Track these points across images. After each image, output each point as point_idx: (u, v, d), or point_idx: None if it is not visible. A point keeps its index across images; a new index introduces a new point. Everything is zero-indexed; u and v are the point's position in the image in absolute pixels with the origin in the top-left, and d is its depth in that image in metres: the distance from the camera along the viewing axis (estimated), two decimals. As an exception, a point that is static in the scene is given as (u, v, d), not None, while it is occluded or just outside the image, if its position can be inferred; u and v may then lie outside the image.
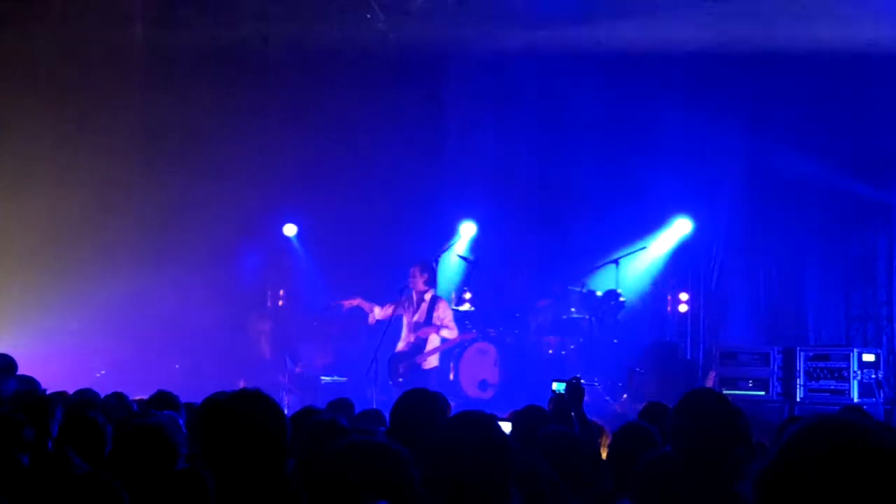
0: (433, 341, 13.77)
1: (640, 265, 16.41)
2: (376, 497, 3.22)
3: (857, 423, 2.23)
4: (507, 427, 6.11)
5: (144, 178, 16.64)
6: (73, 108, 16.03)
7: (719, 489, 4.05)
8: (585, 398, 12.52)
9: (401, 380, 13.55)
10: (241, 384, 14.48)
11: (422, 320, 13.83)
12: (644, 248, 15.93)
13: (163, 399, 7.31)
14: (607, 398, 14.13)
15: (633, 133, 16.56)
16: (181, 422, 6.40)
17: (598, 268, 15.75)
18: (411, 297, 14.07)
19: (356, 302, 14.24)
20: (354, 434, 4.27)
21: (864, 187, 14.56)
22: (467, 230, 17.00)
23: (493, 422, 3.74)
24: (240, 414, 3.64)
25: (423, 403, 5.48)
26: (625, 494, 4.63)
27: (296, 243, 17.62)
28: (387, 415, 5.82)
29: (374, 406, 12.45)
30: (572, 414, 7.01)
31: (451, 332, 13.82)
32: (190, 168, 16.36)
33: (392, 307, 14.00)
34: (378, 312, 14.09)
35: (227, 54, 16.49)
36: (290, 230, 17.36)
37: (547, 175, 17.16)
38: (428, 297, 13.91)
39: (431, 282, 14.06)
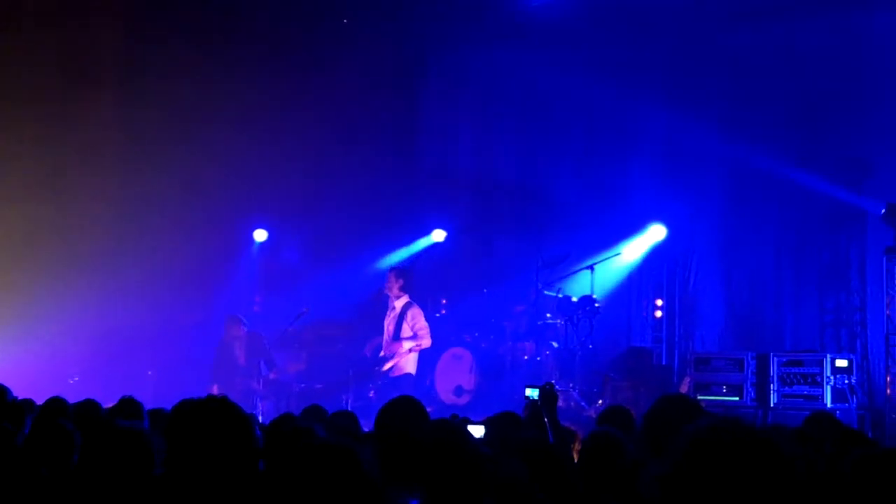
0: (404, 346, 13.78)
1: (615, 271, 16.45)
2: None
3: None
4: (479, 431, 6.08)
5: (118, 185, 16.55)
6: (46, 117, 15.93)
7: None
8: (560, 404, 12.51)
9: (373, 391, 13.60)
10: (215, 390, 14.41)
11: (391, 329, 13.85)
12: (618, 253, 15.95)
13: (126, 406, 7.25)
14: (582, 404, 14.12)
15: (609, 139, 16.62)
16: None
17: (573, 273, 15.75)
18: (390, 302, 14.10)
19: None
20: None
21: (838, 193, 14.60)
22: (439, 237, 17.01)
23: (463, 431, 3.72)
24: (204, 420, 3.62)
25: (407, 411, 5.45)
26: (596, 500, 4.62)
27: (267, 249, 17.56)
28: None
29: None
30: (545, 420, 6.98)
31: (422, 342, 13.81)
32: (162, 175, 16.28)
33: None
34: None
35: (199, 59, 16.42)
36: (260, 236, 17.29)
37: (522, 180, 17.18)
38: (399, 304, 13.90)
39: (406, 287, 14.07)
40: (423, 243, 17.01)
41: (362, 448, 3.32)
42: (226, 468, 3.52)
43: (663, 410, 4.55)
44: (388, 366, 13.77)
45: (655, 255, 16.07)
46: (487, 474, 3.55)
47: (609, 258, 15.82)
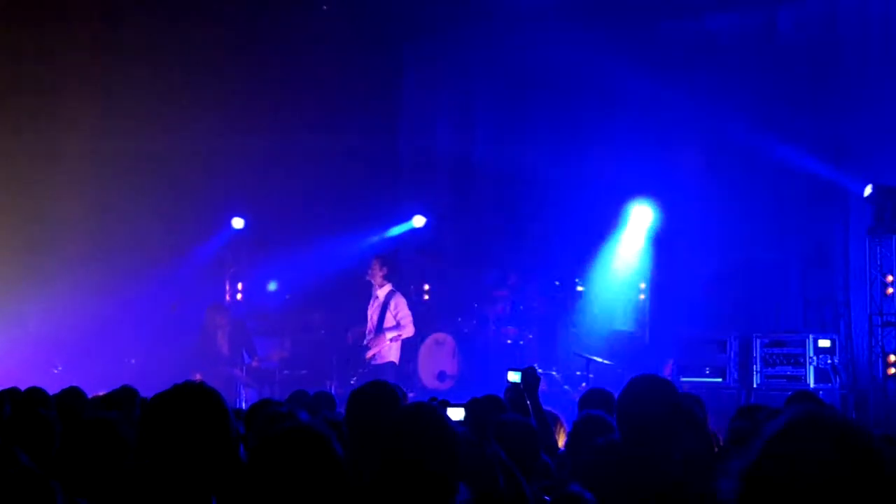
0: (387, 336, 13.76)
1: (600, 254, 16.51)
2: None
3: (845, 421, 2.21)
4: (459, 413, 6.06)
5: (95, 175, 16.46)
6: (21, 107, 15.82)
7: (669, 476, 4.04)
8: (544, 388, 12.52)
9: (355, 378, 13.58)
10: (198, 378, 14.37)
11: (375, 318, 13.79)
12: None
13: (119, 395, 7.21)
14: (566, 387, 14.13)
15: (590, 120, 16.60)
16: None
17: (558, 257, 15.76)
18: (374, 290, 14.06)
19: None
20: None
21: (822, 171, 14.60)
22: (420, 223, 16.98)
23: (437, 413, 3.70)
24: (177, 408, 3.60)
25: (379, 394, 5.43)
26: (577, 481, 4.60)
27: (247, 236, 17.50)
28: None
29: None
30: (528, 403, 6.97)
31: (404, 331, 13.78)
32: (139, 164, 16.21)
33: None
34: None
35: (177, 44, 16.34)
36: (237, 223, 17.21)
37: (504, 165, 17.16)
38: (383, 293, 13.83)
39: (390, 276, 14.02)
40: (403, 229, 16.97)
41: (332, 431, 3.31)
42: (200, 454, 3.50)
43: (635, 391, 4.55)
44: (370, 354, 13.74)
45: (639, 238, 16.07)
46: (463, 456, 3.53)
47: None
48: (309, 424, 3.42)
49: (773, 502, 2.15)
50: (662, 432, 4.34)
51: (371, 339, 13.75)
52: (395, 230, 17.01)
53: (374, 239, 16.82)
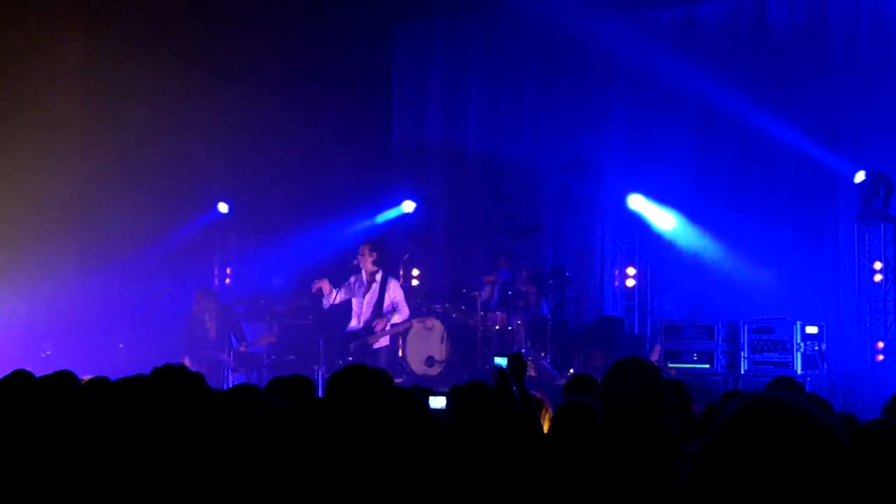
0: (394, 319, 13.79)
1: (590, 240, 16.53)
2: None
3: (794, 402, 2.18)
4: (440, 402, 6.05)
5: (81, 158, 16.41)
6: (4, 90, 15.74)
7: (653, 461, 4.03)
8: (532, 373, 12.53)
9: (350, 358, 13.52)
10: (187, 362, 14.35)
11: (374, 300, 13.81)
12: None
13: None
14: (554, 373, 14.14)
15: (579, 107, 16.60)
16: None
17: (544, 242, 15.77)
18: (361, 276, 14.03)
19: (321, 285, 14.12)
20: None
21: (813, 157, 14.59)
22: (409, 208, 16.97)
23: (412, 397, 3.69)
24: (156, 390, 3.60)
25: (359, 379, 5.41)
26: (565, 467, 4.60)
27: (236, 221, 17.45)
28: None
29: (321, 384, 12.46)
30: (514, 388, 6.95)
31: (402, 316, 13.85)
32: (126, 147, 16.16)
33: (342, 292, 13.99)
34: (333, 297, 14.03)
35: (163, 31, 16.27)
36: (222, 208, 17.15)
37: (496, 150, 17.16)
38: (379, 276, 13.89)
39: (381, 261, 14.03)
40: (392, 214, 16.95)
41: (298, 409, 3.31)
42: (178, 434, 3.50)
43: (619, 374, 4.54)
44: (372, 339, 13.78)
45: (627, 223, 16.05)
46: (443, 442, 3.52)
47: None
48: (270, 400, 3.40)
49: (721, 486, 2.14)
50: (645, 412, 4.34)
51: (372, 320, 13.77)
52: (385, 215, 16.97)
53: (364, 224, 16.79)
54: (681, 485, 2.21)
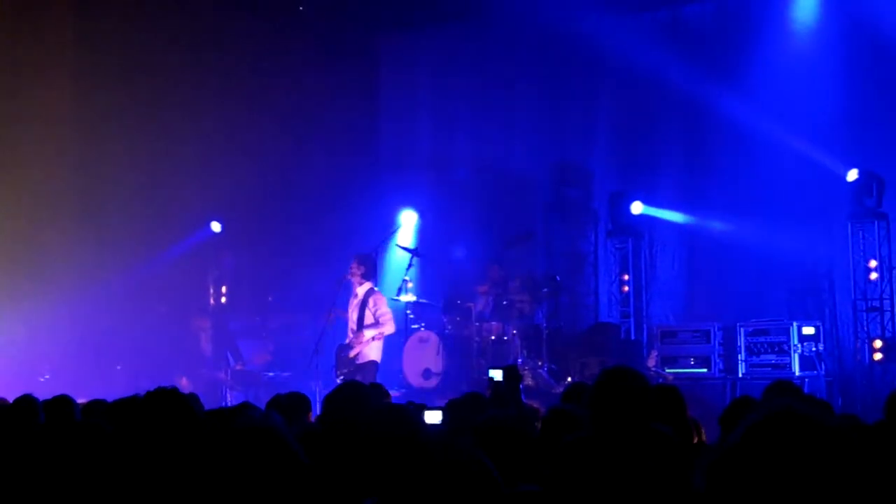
0: (366, 335, 13.73)
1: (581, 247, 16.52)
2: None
3: (818, 420, 2.19)
4: (436, 416, 6.04)
5: (77, 180, 16.42)
6: (2, 105, 15.72)
7: (644, 468, 4.01)
8: (529, 382, 12.51)
9: (341, 377, 13.54)
10: (184, 382, 14.35)
11: (355, 316, 13.84)
12: None
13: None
14: (550, 381, 14.11)
15: (570, 113, 16.61)
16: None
17: (536, 250, 15.77)
18: (353, 289, 14.05)
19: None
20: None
21: (806, 156, 14.56)
22: (408, 219, 16.94)
23: (406, 412, 3.68)
24: (150, 412, 3.60)
25: (354, 396, 5.41)
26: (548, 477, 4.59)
27: (228, 239, 17.41)
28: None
29: (318, 399, 12.42)
30: (509, 399, 6.96)
31: (384, 328, 13.78)
32: (119, 169, 16.17)
33: (333, 314, 14.06)
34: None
35: (154, 48, 16.28)
36: (214, 227, 17.11)
37: (483, 158, 17.15)
38: (361, 291, 13.87)
39: (368, 275, 14.03)
40: (392, 227, 16.91)
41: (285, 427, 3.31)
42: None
43: (606, 384, 4.54)
44: (352, 353, 13.75)
45: (619, 229, 16.03)
46: (437, 457, 3.50)
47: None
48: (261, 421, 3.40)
49: (735, 498, 2.14)
50: (633, 420, 4.34)
51: (352, 338, 13.78)
52: (393, 232, 16.90)
53: (355, 238, 16.76)
54: (697, 492, 2.22)
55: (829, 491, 2.10)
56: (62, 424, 5.91)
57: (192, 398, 4.42)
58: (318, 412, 8.10)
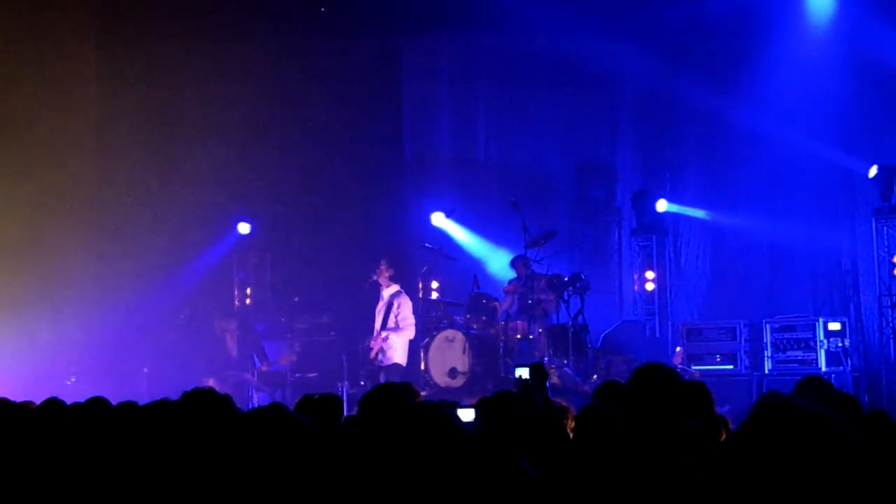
0: (390, 337, 13.83)
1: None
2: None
3: (817, 415, 2.20)
4: (469, 415, 6.07)
5: (105, 183, 16.52)
6: (17, 112, 15.79)
7: (675, 464, 4.04)
8: (555, 381, 12.50)
9: (363, 378, 13.65)
10: (211, 383, 14.40)
11: (380, 319, 13.93)
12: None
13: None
14: (577, 379, 14.11)
15: (592, 110, 16.63)
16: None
17: (560, 249, 15.77)
18: (381, 292, 14.13)
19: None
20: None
21: (828, 153, 14.54)
22: (439, 220, 16.94)
23: (441, 410, 3.71)
24: (187, 413, 3.64)
25: (388, 398, 5.44)
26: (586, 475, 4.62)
27: (254, 241, 17.48)
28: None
29: (346, 399, 12.49)
30: (537, 398, 6.97)
31: (404, 333, 13.89)
32: (146, 171, 16.28)
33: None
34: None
35: (176, 49, 16.35)
36: (243, 228, 17.19)
37: (506, 158, 17.19)
38: (387, 294, 13.96)
39: (396, 277, 14.10)
40: (417, 228, 16.96)
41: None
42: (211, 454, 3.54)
43: (640, 381, 4.55)
44: (373, 354, 13.86)
45: (643, 227, 16.05)
46: (473, 454, 3.54)
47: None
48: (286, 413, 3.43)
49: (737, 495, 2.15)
50: (666, 417, 4.35)
51: (375, 339, 13.89)
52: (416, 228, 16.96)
53: (380, 239, 16.81)
54: (700, 486, 2.23)
55: (828, 487, 2.10)
56: (96, 427, 5.99)
57: (228, 399, 4.47)
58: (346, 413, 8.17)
